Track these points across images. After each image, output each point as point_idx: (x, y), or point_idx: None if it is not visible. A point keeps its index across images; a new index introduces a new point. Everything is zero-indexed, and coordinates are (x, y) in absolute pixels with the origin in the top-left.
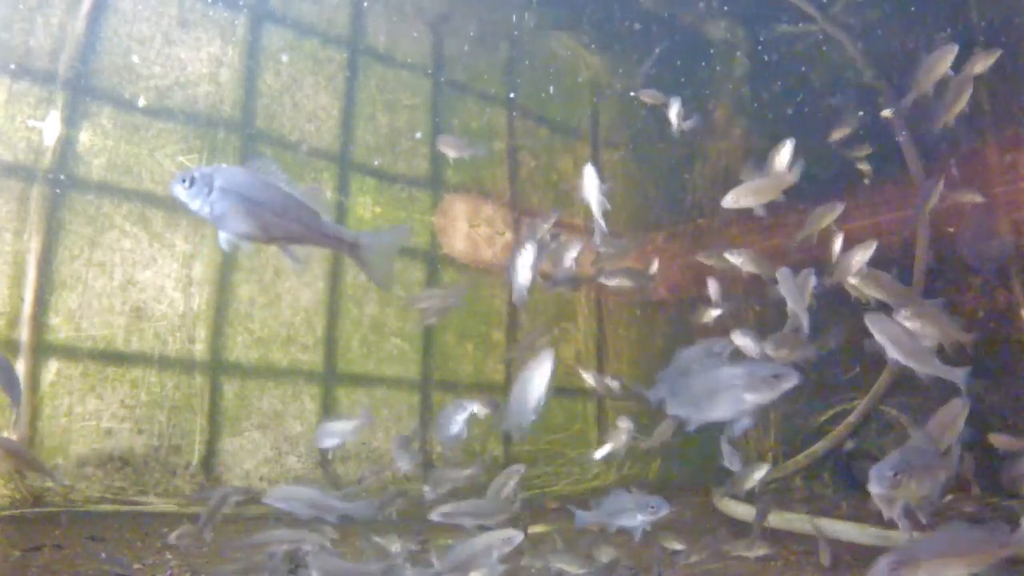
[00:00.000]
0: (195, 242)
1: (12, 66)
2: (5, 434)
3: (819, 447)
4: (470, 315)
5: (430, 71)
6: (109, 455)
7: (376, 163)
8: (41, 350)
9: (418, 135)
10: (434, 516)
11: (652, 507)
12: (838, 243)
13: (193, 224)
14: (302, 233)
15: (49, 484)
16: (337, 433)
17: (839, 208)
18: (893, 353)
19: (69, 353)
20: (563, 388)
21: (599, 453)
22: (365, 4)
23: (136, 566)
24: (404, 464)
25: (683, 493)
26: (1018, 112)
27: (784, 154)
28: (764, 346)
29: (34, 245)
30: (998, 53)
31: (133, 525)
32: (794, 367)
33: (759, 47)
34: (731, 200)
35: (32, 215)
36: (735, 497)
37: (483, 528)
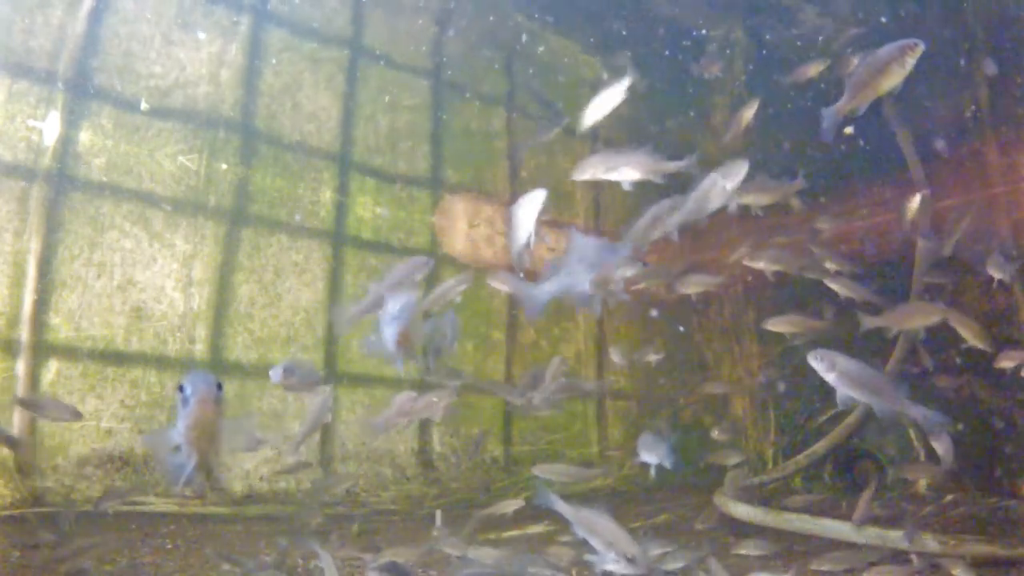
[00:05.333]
0: (195, 242)
1: (12, 66)
2: None
3: (819, 447)
4: (470, 315)
5: (430, 71)
6: (109, 455)
7: (376, 163)
8: (41, 350)
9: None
10: None
11: None
12: None
13: (193, 224)
14: None
15: (49, 484)
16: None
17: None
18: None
19: (69, 353)
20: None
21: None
22: (365, 4)
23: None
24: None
25: (683, 493)
26: (1018, 112)
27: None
28: None
29: (34, 245)
30: None
31: (133, 525)
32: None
33: (759, 47)
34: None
35: (32, 215)
36: (735, 497)
37: None
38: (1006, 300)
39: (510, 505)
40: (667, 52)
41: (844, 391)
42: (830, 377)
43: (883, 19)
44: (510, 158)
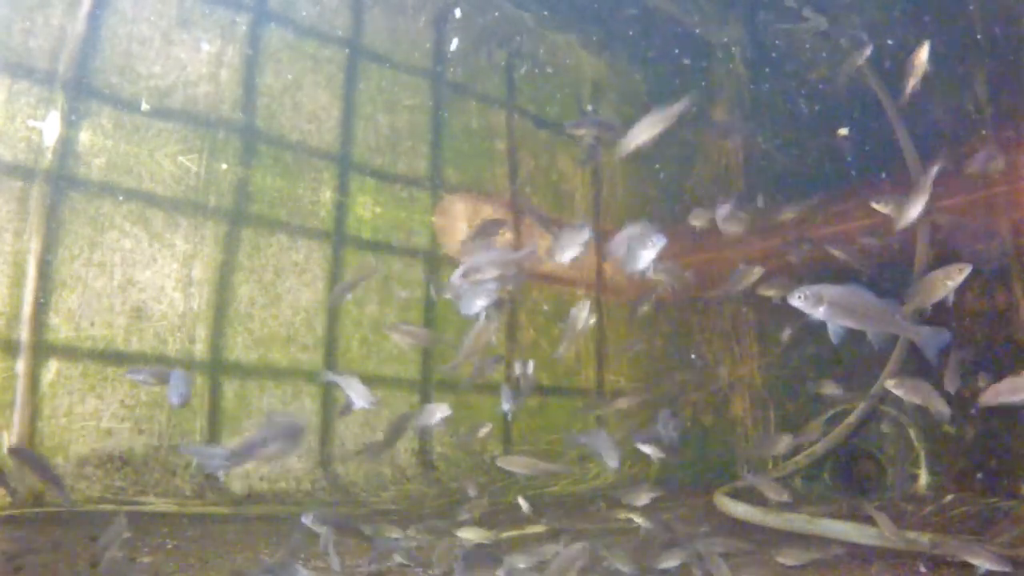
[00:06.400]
0: (195, 242)
1: (12, 66)
2: (4, 435)
3: (819, 447)
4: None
5: (430, 71)
6: (109, 455)
7: (376, 163)
8: (41, 350)
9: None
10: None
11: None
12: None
13: (193, 224)
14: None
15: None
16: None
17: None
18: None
19: (69, 353)
20: (563, 388)
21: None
22: (365, 3)
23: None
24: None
25: (683, 493)
26: (1018, 112)
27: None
28: None
29: (34, 245)
30: None
31: (133, 525)
32: None
33: (759, 47)
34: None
35: (32, 215)
36: (735, 497)
37: None
38: (1006, 300)
39: (642, 497)
40: (668, 51)
41: (836, 323)
42: (820, 311)
43: (883, 19)
44: (510, 157)
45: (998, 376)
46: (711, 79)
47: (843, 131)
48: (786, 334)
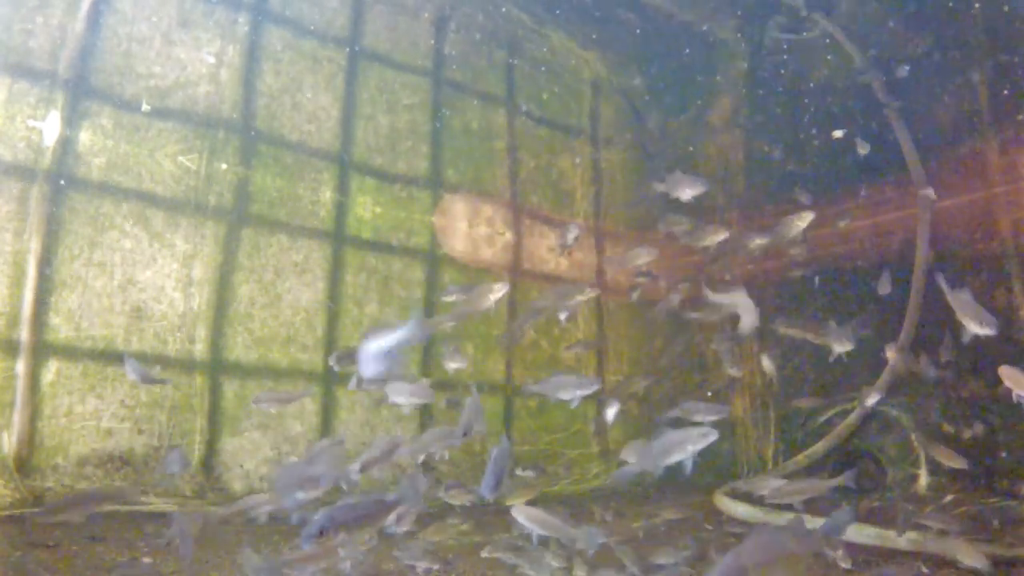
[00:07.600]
0: (195, 242)
1: (12, 66)
2: (4, 435)
3: (819, 447)
4: (470, 315)
5: (430, 71)
6: (109, 455)
7: (376, 163)
8: (41, 350)
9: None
10: None
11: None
12: None
13: (193, 224)
14: None
15: (49, 484)
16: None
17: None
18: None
19: (69, 353)
20: None
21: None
22: (365, 3)
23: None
24: None
25: (683, 493)
26: (1018, 112)
27: None
28: None
29: (34, 245)
30: None
31: (133, 525)
32: None
33: (758, 47)
34: None
35: (32, 215)
36: (736, 497)
37: None
38: (1006, 300)
39: (768, 484)
40: (669, 50)
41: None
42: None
43: (890, 22)
44: (510, 157)
45: (995, 376)
46: (712, 78)
47: (838, 132)
48: (786, 334)
